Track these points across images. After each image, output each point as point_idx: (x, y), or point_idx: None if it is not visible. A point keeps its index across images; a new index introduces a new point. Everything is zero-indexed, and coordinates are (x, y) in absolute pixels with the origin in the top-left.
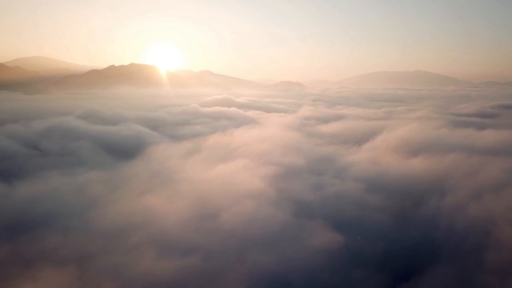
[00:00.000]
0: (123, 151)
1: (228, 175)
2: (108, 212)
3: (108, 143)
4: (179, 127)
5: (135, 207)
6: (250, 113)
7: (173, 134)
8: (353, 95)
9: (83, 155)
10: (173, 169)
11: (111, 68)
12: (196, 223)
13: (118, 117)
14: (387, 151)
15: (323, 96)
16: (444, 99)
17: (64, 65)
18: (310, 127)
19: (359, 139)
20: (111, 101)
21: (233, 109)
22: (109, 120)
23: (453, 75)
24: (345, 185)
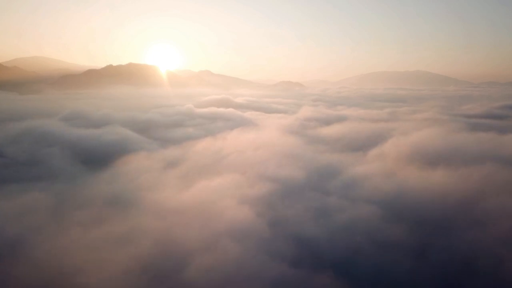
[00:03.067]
0: (98, 160)
1: (209, 198)
2: (31, 259)
3: (84, 150)
4: (170, 129)
5: (73, 250)
6: (248, 114)
7: (161, 137)
8: (353, 95)
9: (51, 165)
10: (145, 187)
11: (109, 67)
12: (148, 285)
13: (106, 119)
14: (400, 161)
15: (323, 96)
16: (446, 99)
17: (64, 65)
18: (310, 129)
19: (365, 144)
20: (105, 101)
21: (230, 110)
22: (94, 122)
23: (453, 75)
24: (357, 210)
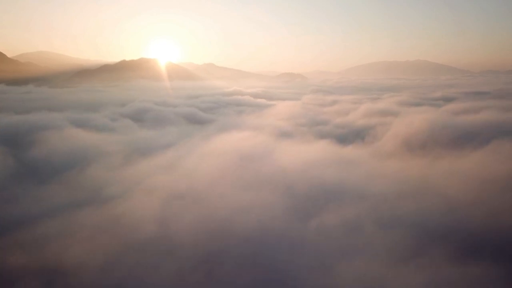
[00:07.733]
0: None
1: None
2: None
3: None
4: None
5: None
6: (244, 117)
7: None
8: (349, 85)
9: None
10: None
11: (123, 62)
12: None
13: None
14: None
15: (323, 86)
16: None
17: (71, 60)
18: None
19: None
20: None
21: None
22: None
23: (453, 64)
24: None
